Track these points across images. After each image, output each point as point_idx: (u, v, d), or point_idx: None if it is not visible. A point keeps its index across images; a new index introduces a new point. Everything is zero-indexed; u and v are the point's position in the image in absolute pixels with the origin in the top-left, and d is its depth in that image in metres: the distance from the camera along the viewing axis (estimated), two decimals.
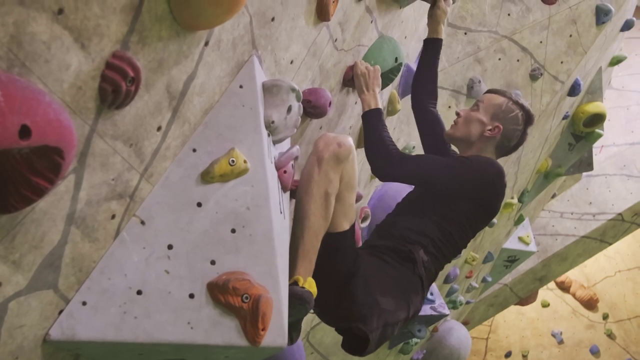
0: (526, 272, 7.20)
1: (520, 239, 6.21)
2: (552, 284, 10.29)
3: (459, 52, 3.57)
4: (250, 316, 1.27)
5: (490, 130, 2.11)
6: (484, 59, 3.64)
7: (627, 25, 4.70)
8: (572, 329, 10.57)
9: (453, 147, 2.33)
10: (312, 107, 1.85)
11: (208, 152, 1.37)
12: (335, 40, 1.95)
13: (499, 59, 3.69)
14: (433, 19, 2.36)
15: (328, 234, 1.78)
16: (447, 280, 4.91)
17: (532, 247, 6.30)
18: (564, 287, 10.76)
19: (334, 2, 1.72)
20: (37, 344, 1.17)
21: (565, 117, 4.92)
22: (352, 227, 1.88)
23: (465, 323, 6.93)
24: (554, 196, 7.39)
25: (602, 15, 3.86)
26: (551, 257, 7.10)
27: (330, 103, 1.89)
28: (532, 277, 7.34)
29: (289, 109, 1.55)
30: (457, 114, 2.20)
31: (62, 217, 1.07)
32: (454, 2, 2.52)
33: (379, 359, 4.47)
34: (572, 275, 10.46)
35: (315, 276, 1.71)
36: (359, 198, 2.14)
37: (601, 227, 7.02)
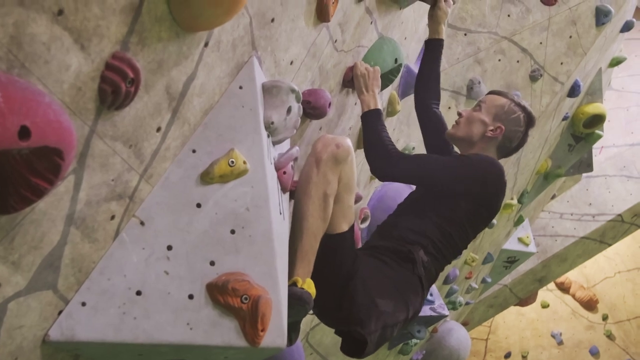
0: (526, 273, 7.21)
1: (520, 239, 6.21)
2: (551, 285, 10.29)
3: (459, 53, 3.57)
4: (249, 317, 1.27)
5: (492, 130, 2.11)
6: (484, 60, 3.64)
7: (627, 27, 4.69)
8: (571, 330, 10.58)
9: (455, 148, 2.33)
10: (312, 108, 1.85)
11: (208, 152, 1.37)
12: (335, 41, 1.95)
13: (499, 60, 3.69)
14: (434, 19, 2.36)
15: (327, 235, 1.78)
16: (446, 281, 4.91)
17: (531, 248, 6.31)
18: (563, 288, 10.77)
19: (333, 3, 1.72)
20: (37, 344, 1.16)
21: (565, 118, 4.92)
22: (351, 228, 1.87)
23: (464, 324, 6.93)
24: (553, 197, 7.39)
25: (601, 16, 3.86)
26: (551, 258, 7.10)
27: (330, 104, 1.89)
28: (531, 278, 7.34)
29: (289, 110, 1.55)
30: (459, 114, 2.20)
31: (61, 218, 1.08)
32: (454, 3, 2.52)
33: None
34: (572, 276, 10.46)
35: (314, 277, 1.71)
36: (358, 199, 2.14)
37: (601, 228, 7.02)
